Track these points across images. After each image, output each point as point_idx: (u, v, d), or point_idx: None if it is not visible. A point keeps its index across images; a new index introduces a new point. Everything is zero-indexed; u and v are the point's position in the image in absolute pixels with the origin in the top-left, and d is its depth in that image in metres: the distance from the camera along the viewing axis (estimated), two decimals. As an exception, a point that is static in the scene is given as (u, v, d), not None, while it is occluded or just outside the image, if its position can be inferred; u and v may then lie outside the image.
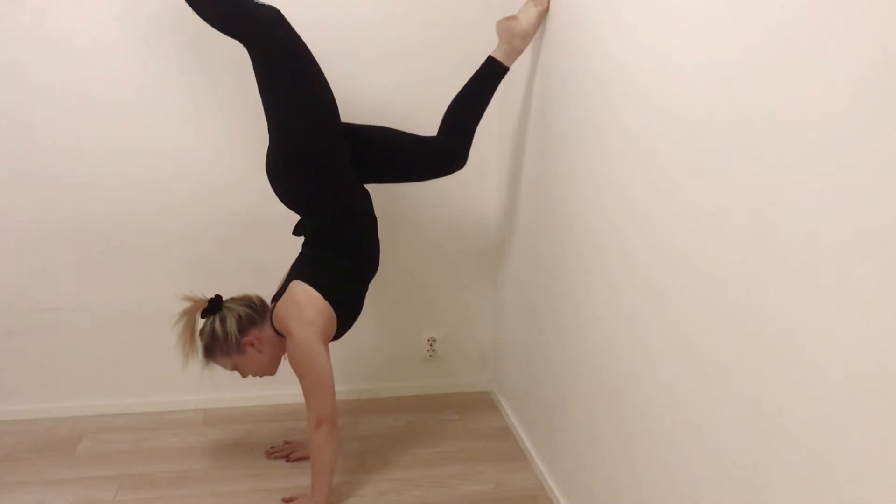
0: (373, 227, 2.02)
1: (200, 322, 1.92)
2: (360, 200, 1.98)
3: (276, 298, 1.96)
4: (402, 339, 2.65)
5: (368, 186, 2.05)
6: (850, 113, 0.87)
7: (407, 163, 2.07)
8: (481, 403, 2.62)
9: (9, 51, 2.18)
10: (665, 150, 1.33)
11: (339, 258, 1.95)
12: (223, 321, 1.89)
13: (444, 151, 2.03)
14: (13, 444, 2.29)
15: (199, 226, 2.40)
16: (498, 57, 1.99)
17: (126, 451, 2.26)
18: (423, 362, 2.68)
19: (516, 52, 1.99)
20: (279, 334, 1.93)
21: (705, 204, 1.20)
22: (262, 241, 2.42)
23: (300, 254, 2.02)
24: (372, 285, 2.08)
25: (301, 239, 2.04)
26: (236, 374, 2.05)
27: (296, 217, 2.02)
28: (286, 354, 1.99)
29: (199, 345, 1.91)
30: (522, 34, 1.95)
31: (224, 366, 1.95)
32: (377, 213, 2.05)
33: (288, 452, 2.21)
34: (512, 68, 2.03)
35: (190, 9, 1.87)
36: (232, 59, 2.09)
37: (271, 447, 2.26)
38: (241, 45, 1.88)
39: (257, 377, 2.02)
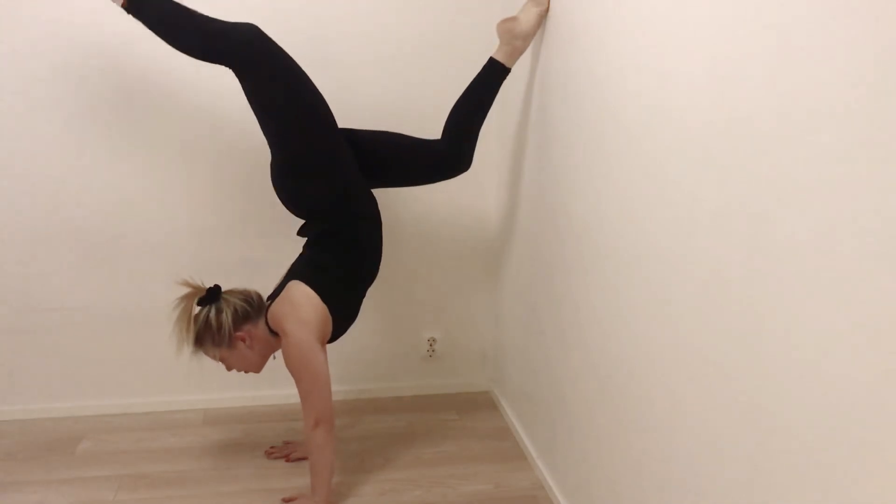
0: (377, 232, 2.01)
1: (196, 310, 1.92)
2: (365, 204, 1.98)
3: (272, 297, 1.96)
4: (402, 339, 2.65)
5: (374, 190, 2.05)
6: (850, 113, 0.88)
7: (412, 167, 2.06)
8: (481, 403, 2.63)
9: (9, 45, 2.18)
10: (665, 151, 1.33)
11: (340, 262, 1.95)
12: (219, 312, 1.89)
13: (449, 154, 2.03)
14: (13, 444, 2.29)
15: (199, 226, 2.40)
16: (499, 58, 1.99)
17: (126, 451, 2.27)
18: (423, 362, 2.68)
19: (517, 53, 2.00)
20: (273, 333, 1.93)
21: (705, 204, 1.20)
22: (264, 241, 2.42)
23: (301, 254, 2.02)
24: (373, 285, 2.08)
25: (303, 240, 2.04)
26: (237, 373, 2.05)
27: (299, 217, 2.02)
28: (275, 354, 1.99)
29: (193, 332, 1.91)
30: (523, 35, 1.96)
31: (212, 356, 1.94)
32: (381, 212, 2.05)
33: (288, 452, 2.22)
34: (513, 69, 2.03)
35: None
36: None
37: (271, 447, 2.26)
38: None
39: (242, 374, 2.02)
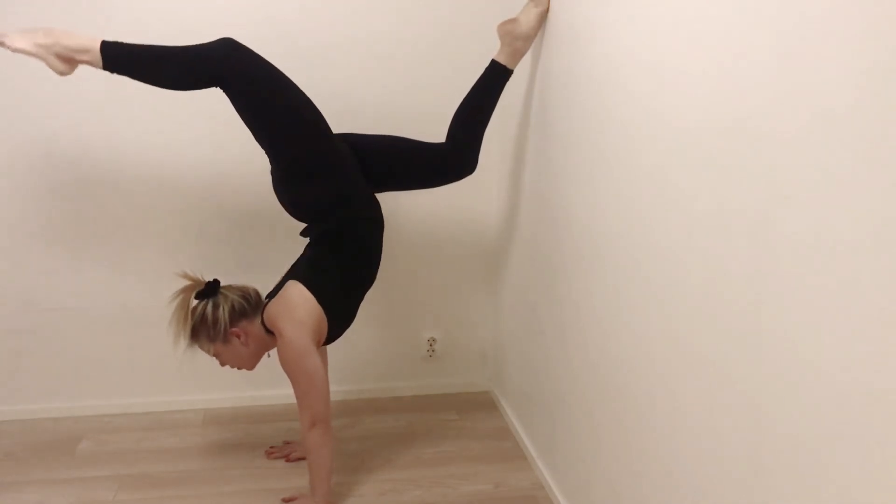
0: (378, 234, 2.01)
1: (194, 303, 1.92)
2: (365, 206, 1.97)
3: (270, 296, 1.96)
4: (402, 339, 2.65)
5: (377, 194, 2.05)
6: (850, 114, 0.88)
7: (417, 171, 2.06)
8: (481, 403, 2.63)
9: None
10: (665, 151, 1.33)
11: (339, 264, 1.95)
12: (216, 307, 1.90)
13: (453, 157, 2.03)
14: (13, 444, 2.29)
15: (200, 226, 2.40)
16: (501, 60, 1.99)
17: (126, 451, 2.27)
18: (423, 362, 2.69)
19: (519, 55, 2.00)
20: (268, 331, 1.93)
21: (705, 205, 1.20)
22: (265, 242, 2.43)
23: (302, 255, 2.02)
24: (374, 285, 2.08)
25: (306, 240, 2.05)
26: (237, 373, 2.05)
27: None
28: (269, 353, 1.99)
29: (189, 325, 1.91)
30: (524, 36, 1.96)
31: (206, 350, 1.95)
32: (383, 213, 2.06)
33: (287, 452, 2.22)
34: (514, 70, 2.03)
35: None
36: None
37: (271, 447, 2.26)
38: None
39: (242, 374, 2.01)
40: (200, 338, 1.92)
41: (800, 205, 0.97)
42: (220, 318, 1.89)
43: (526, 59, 2.09)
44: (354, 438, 2.36)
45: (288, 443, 2.28)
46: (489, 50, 2.03)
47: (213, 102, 2.32)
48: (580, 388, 1.80)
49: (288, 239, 2.12)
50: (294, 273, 1.95)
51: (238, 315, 1.92)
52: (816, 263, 0.94)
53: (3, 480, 2.08)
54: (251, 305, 1.95)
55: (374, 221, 2.00)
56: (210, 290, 1.92)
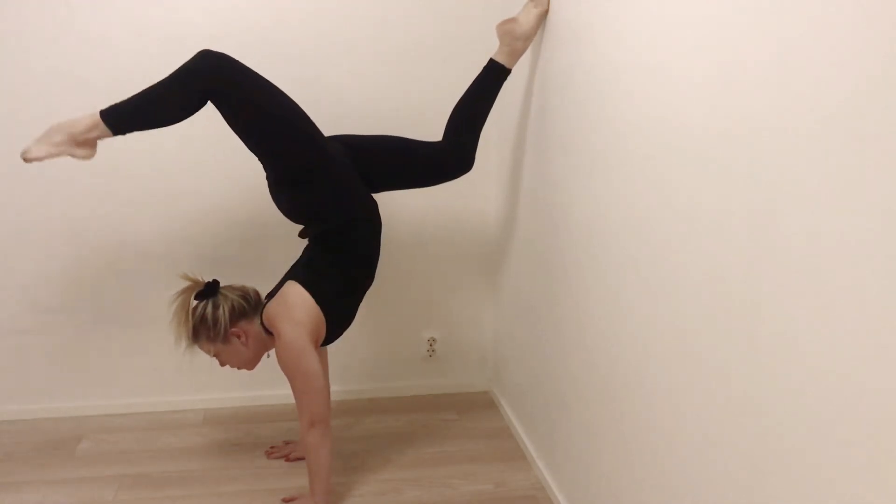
0: (375, 235, 2.01)
1: (194, 303, 1.92)
2: (362, 206, 1.97)
3: (270, 296, 1.96)
4: (402, 339, 2.65)
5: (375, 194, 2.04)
6: (850, 114, 0.88)
7: (414, 170, 2.06)
8: (481, 403, 2.63)
9: (9, 48, 2.18)
10: (664, 152, 1.33)
11: (337, 265, 1.95)
12: (216, 307, 1.90)
13: (450, 156, 2.03)
14: (13, 444, 2.29)
15: (200, 226, 2.41)
16: (499, 59, 1.99)
17: (126, 451, 2.27)
18: (423, 362, 2.69)
19: (517, 54, 2.00)
20: (268, 332, 1.93)
21: (704, 206, 1.20)
22: (264, 242, 2.43)
23: (301, 256, 2.03)
24: (373, 286, 2.08)
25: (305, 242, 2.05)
26: (237, 373, 2.05)
27: None
28: (269, 353, 1.99)
29: (189, 326, 1.91)
30: (523, 36, 1.96)
31: (207, 351, 1.95)
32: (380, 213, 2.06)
33: (288, 452, 2.22)
34: (513, 70, 2.03)
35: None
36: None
37: (271, 447, 2.26)
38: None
39: (242, 374, 2.01)
40: (201, 338, 1.92)
41: (800, 205, 0.97)
42: (220, 318, 1.89)
43: (525, 59, 2.09)
44: (354, 438, 2.36)
45: (288, 443, 2.28)
46: (488, 50, 2.03)
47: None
48: (580, 388, 1.80)
49: (287, 239, 2.12)
50: (293, 274, 1.95)
51: (238, 315, 1.92)
52: (816, 263, 0.94)
53: (3, 480, 2.08)
54: (251, 306, 1.95)
55: (371, 222, 2.00)
56: (210, 290, 1.93)
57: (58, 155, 1.72)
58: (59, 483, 2.08)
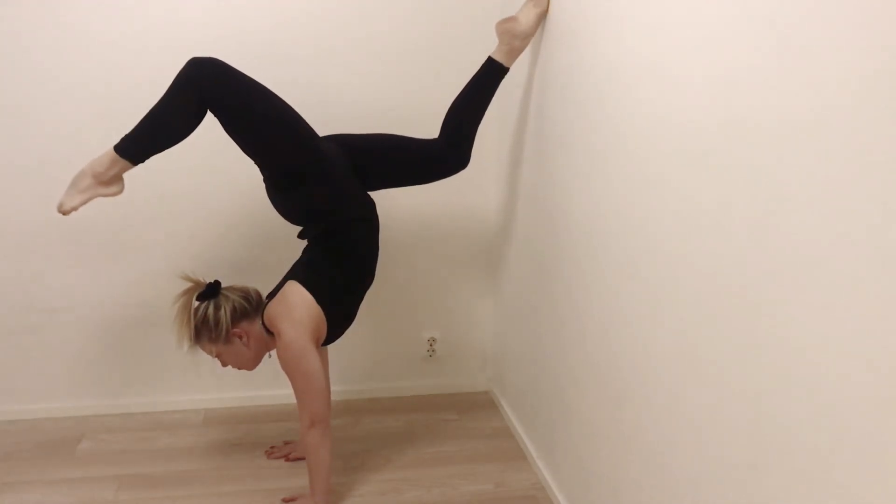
0: (372, 234, 2.01)
1: (195, 304, 1.92)
2: (358, 206, 1.97)
3: (270, 296, 1.96)
4: (402, 339, 2.65)
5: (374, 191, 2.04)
6: (850, 113, 0.88)
7: (411, 168, 2.06)
8: (481, 403, 2.63)
9: (10, 47, 2.18)
10: (664, 152, 1.33)
11: (335, 264, 1.95)
12: (217, 308, 1.90)
13: (447, 153, 2.03)
14: (13, 444, 2.29)
15: (200, 226, 2.40)
16: (498, 58, 1.99)
17: (126, 451, 2.27)
18: (423, 362, 2.69)
19: (516, 53, 2.00)
20: (269, 332, 1.93)
21: (704, 206, 1.20)
22: (264, 242, 2.43)
23: (301, 256, 2.02)
24: (373, 285, 2.08)
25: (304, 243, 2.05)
26: (237, 373, 2.05)
27: None
28: (270, 353, 1.99)
29: (191, 327, 1.91)
30: (522, 35, 1.96)
31: (208, 352, 1.95)
32: (378, 213, 2.05)
33: (287, 452, 2.22)
34: (511, 69, 2.03)
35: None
36: (231, 62, 2.09)
37: (271, 447, 2.26)
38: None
39: (242, 374, 2.01)
40: (202, 339, 1.92)
41: (800, 205, 0.97)
42: (221, 319, 1.89)
43: (524, 58, 2.09)
44: (354, 438, 2.36)
45: (288, 442, 2.28)
46: (487, 49, 2.03)
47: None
48: (580, 387, 1.80)
49: (287, 240, 2.12)
50: (293, 274, 1.95)
51: (239, 316, 1.92)
52: (816, 263, 0.94)
53: (3, 480, 2.08)
54: (252, 306, 1.95)
55: (368, 221, 1.99)
56: (211, 291, 1.93)
57: (90, 199, 1.78)
58: (59, 483, 2.08)
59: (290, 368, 1.85)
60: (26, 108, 2.22)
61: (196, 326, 1.90)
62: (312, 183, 1.87)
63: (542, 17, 1.96)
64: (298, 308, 1.86)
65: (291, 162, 1.85)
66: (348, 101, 2.37)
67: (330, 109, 2.28)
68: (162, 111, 1.74)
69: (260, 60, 2.19)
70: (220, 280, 1.97)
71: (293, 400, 1.92)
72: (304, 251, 2.02)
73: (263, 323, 1.94)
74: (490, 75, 2.01)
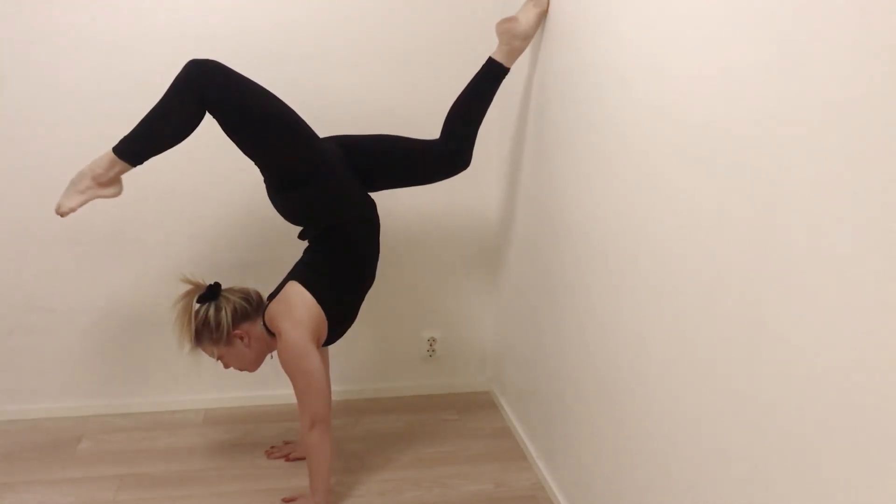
0: (372, 234, 2.01)
1: (196, 307, 1.92)
2: (358, 207, 1.97)
3: (271, 297, 1.96)
4: (402, 339, 2.65)
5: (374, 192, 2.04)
6: (850, 113, 0.88)
7: (412, 168, 2.06)
8: (481, 403, 2.63)
9: (10, 48, 2.18)
10: (664, 151, 1.33)
11: (336, 264, 1.95)
12: (218, 310, 1.90)
13: (448, 153, 2.03)
14: (13, 444, 2.29)
15: (200, 226, 2.40)
16: (498, 58, 1.99)
17: (126, 451, 2.27)
18: (423, 362, 2.69)
19: (516, 53, 2.00)
20: (270, 333, 1.93)
21: (704, 206, 1.20)
22: (264, 243, 2.42)
23: (302, 256, 2.03)
24: (374, 285, 2.08)
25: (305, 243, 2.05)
26: (237, 373, 2.05)
27: None
28: (271, 354, 1.99)
29: (192, 329, 1.91)
30: (522, 35, 1.96)
31: (210, 354, 1.95)
32: (378, 213, 2.05)
33: (287, 452, 2.22)
34: (511, 69, 2.03)
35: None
36: (232, 63, 2.09)
37: (271, 447, 2.26)
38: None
39: (242, 374, 2.01)
40: (203, 341, 1.92)
41: (800, 204, 0.97)
42: (222, 320, 1.89)
43: (525, 58, 2.09)
44: (354, 438, 2.36)
45: (288, 442, 2.28)
46: (487, 49, 2.03)
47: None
48: (580, 387, 1.80)
49: (288, 240, 2.12)
50: (293, 274, 1.95)
51: (240, 317, 1.92)
52: (816, 263, 0.94)
53: (3, 480, 2.08)
54: (253, 307, 1.95)
55: (369, 222, 1.99)
56: (211, 293, 1.93)
57: (88, 200, 1.78)
58: (59, 483, 2.08)
59: (291, 368, 1.85)
60: (26, 108, 2.22)
61: (197, 329, 1.90)
62: (312, 183, 1.87)
63: (543, 17, 1.96)
64: (299, 308, 1.86)
65: (291, 163, 1.85)
66: (348, 101, 2.37)
67: (330, 110, 2.28)
68: (161, 113, 1.75)
69: (260, 60, 2.19)
70: (220, 282, 1.97)
71: (293, 400, 1.92)
72: (305, 252, 2.02)
73: (264, 323, 1.94)
74: (490, 76, 2.01)
